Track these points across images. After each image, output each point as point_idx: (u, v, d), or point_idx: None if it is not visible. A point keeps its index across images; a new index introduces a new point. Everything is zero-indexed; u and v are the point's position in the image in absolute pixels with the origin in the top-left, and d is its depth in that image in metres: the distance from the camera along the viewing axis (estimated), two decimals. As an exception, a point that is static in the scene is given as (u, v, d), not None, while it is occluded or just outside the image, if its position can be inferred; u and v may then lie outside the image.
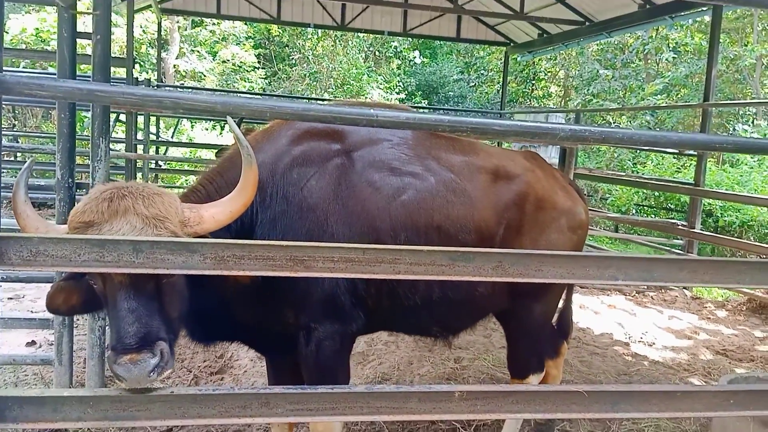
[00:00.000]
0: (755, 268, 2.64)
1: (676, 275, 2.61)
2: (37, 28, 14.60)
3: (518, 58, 17.04)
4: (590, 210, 11.74)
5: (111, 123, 13.39)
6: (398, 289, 2.95)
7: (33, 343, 5.24)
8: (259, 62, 23.73)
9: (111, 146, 12.18)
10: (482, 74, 27.00)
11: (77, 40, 3.91)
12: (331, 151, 2.98)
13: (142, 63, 19.78)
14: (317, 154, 2.95)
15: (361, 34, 21.10)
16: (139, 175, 11.07)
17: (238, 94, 17.38)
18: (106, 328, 4.22)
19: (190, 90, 14.80)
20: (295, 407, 2.42)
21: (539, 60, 23.75)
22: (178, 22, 20.04)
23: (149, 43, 21.11)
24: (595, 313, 7.62)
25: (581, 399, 2.59)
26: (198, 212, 2.45)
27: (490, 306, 3.36)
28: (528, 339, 3.50)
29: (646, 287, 8.93)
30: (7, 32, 15.02)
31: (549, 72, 25.88)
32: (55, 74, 4.14)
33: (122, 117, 11.49)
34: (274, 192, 2.83)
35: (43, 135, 13.39)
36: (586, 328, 6.86)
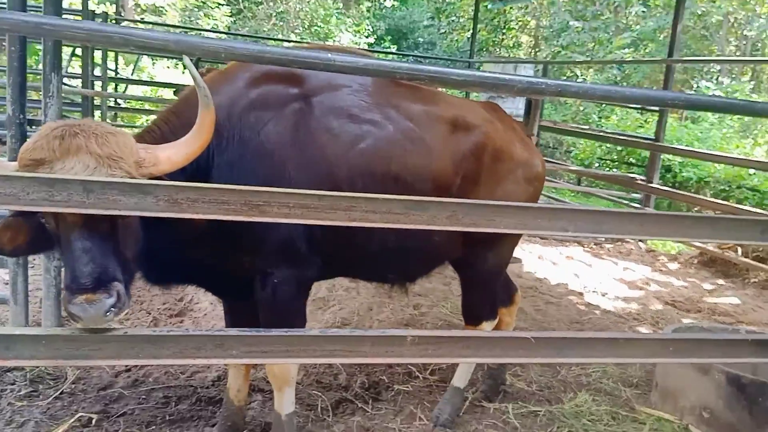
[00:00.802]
0: (701, 222, 2.72)
1: (625, 227, 2.69)
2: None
3: (489, 6, 16.85)
4: (554, 162, 11.92)
5: (68, 58, 12.93)
6: (355, 236, 2.96)
7: (-13, 282, 5.16)
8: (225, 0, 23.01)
9: (67, 83, 11.75)
10: (453, 21, 26.67)
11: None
12: (290, 96, 2.93)
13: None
14: (275, 97, 2.90)
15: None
16: (97, 113, 10.76)
17: (200, 33, 16.87)
18: (62, 268, 4.18)
19: (149, 26, 14.32)
20: (250, 349, 2.45)
21: (510, 8, 23.51)
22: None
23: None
24: (553, 263, 7.80)
25: (529, 345, 2.68)
26: (154, 153, 2.41)
27: (445, 254, 3.42)
28: (481, 287, 3.58)
29: (603, 239, 9.18)
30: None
31: (520, 21, 25.67)
32: (5, 4, 3.96)
33: (79, 51, 11.09)
34: (230, 135, 2.79)
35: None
36: (543, 278, 7.04)
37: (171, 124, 2.75)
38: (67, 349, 2.29)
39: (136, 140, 2.53)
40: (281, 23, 21.20)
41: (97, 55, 11.26)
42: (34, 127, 4.13)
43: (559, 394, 4.18)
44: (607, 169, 14.49)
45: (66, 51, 13.53)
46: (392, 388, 4.05)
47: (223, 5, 22.45)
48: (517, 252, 8.04)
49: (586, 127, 13.25)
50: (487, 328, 3.63)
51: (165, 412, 3.54)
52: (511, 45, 25.72)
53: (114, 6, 14.09)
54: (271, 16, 21.41)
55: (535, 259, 7.85)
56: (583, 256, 8.34)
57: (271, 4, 21.74)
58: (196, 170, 2.73)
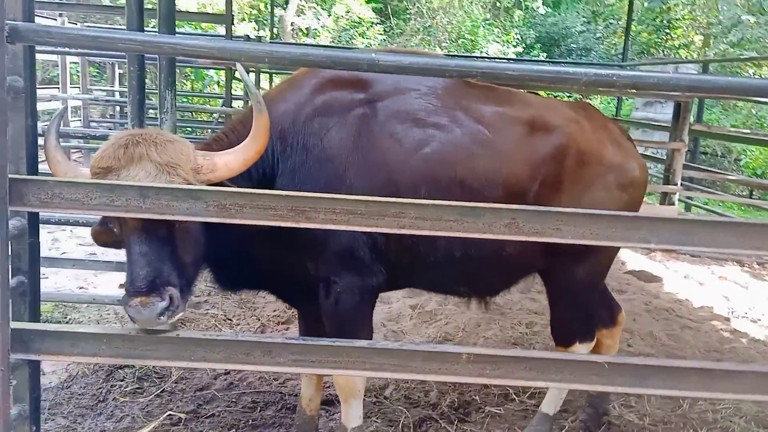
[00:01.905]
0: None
1: (722, 240, 2.31)
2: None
3: (646, 5, 15.72)
4: (718, 173, 10.72)
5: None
6: (419, 245, 2.86)
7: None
8: (378, 18, 23.62)
9: (214, 104, 12.63)
10: (611, 23, 25.39)
11: (145, -5, 4.04)
12: (354, 101, 2.89)
13: (264, 21, 20.42)
14: (339, 103, 2.87)
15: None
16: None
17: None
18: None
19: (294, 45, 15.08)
20: (297, 358, 2.42)
21: (675, 6, 21.82)
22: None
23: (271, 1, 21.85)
24: (700, 284, 7.01)
25: (603, 371, 2.38)
26: (212, 160, 2.47)
27: (524, 266, 3.17)
28: (571, 303, 3.25)
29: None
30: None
31: (688, 19, 23.68)
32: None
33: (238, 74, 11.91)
34: (294, 142, 2.81)
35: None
36: (684, 300, 6.34)
37: (237, 133, 2.82)
38: (125, 348, 2.40)
39: (202, 148, 2.64)
40: (429, 37, 21.41)
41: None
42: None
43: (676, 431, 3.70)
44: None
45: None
46: (483, 410, 3.82)
47: (376, 23, 23.11)
48: (659, 270, 7.38)
49: (748, 131, 11.67)
50: (582, 350, 3.29)
51: (250, 417, 3.62)
52: (677, 45, 23.85)
53: (269, 31, 15.07)
54: (418, 30, 21.70)
55: (679, 279, 7.11)
56: (740, 277, 7.43)
57: (419, 19, 22.05)
58: (263, 177, 2.78)
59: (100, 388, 3.86)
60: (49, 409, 3.61)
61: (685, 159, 12.09)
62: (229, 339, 2.43)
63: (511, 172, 2.93)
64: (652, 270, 7.29)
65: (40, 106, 10.22)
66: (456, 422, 3.66)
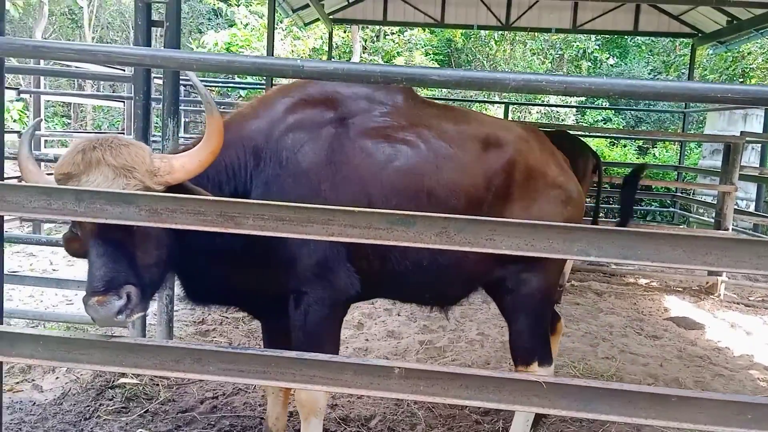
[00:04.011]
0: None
1: (668, 254, 2.13)
2: (228, 42, 16.19)
3: (710, 51, 15.26)
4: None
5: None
6: (390, 253, 2.93)
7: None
8: (442, 70, 23.97)
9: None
10: (684, 73, 24.74)
11: (153, 28, 4.25)
12: (326, 119, 3.01)
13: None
14: (311, 121, 2.98)
15: (539, 35, 20.48)
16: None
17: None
18: (174, 297, 4.53)
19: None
20: (227, 367, 2.38)
21: (749, 53, 21.11)
22: (362, 31, 21.14)
23: (338, 56, 22.68)
24: (747, 333, 6.49)
25: (543, 392, 2.21)
26: (169, 162, 2.51)
27: (481, 272, 3.17)
28: (529, 317, 3.20)
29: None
30: (203, 46, 16.91)
31: (763, 68, 22.79)
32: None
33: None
34: (268, 157, 2.89)
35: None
36: (724, 348, 5.87)
37: None
38: (60, 351, 2.42)
39: (176, 152, 2.72)
40: (488, 87, 21.50)
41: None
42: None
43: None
44: None
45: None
46: (467, 447, 3.62)
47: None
48: (704, 317, 6.91)
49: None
50: (541, 372, 3.14)
51: (223, 440, 3.56)
52: (754, 94, 22.87)
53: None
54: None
55: (724, 327, 6.61)
56: (797, 328, 6.84)
57: (478, 68, 22.24)
58: (235, 192, 2.82)
59: (88, 405, 3.90)
60: (33, 423, 3.68)
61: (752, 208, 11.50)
62: (159, 345, 2.40)
63: (470, 183, 3.07)
64: (697, 317, 6.82)
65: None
66: (433, 457, 3.48)
